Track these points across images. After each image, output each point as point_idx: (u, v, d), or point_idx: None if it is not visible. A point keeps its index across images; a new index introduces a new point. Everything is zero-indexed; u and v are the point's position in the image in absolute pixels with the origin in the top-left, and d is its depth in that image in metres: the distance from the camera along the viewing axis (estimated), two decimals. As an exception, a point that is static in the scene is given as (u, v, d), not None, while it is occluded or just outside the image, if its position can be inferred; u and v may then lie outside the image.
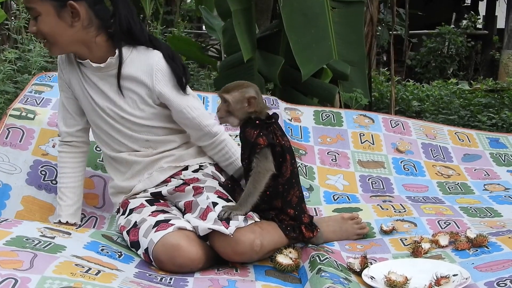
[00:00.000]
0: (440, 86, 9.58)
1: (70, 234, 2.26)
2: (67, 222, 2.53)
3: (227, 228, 2.17)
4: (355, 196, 3.15)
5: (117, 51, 2.42)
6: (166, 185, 2.50)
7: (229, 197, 2.40)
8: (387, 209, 2.90)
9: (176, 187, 2.47)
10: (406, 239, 2.57)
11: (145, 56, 2.44)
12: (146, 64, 2.43)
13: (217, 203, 2.30)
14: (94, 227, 2.71)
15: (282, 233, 2.37)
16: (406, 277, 2.09)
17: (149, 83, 2.43)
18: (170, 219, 2.30)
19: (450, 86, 9.47)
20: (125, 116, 2.47)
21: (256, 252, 2.22)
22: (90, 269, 1.86)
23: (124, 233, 2.39)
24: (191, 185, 2.44)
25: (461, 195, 3.17)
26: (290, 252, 2.34)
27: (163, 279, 2.08)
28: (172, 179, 2.53)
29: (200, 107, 2.53)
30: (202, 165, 2.57)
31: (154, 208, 2.41)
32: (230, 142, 2.60)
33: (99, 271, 1.86)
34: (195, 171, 2.54)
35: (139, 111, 2.47)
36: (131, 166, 2.52)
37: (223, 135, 2.57)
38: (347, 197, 3.13)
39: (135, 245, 2.31)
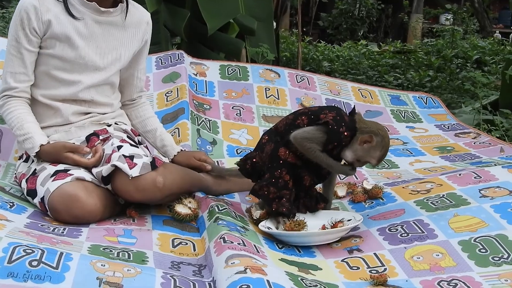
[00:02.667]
0: (350, 47, 9.76)
1: (-42, 184, 2.17)
2: (41, 145, 2.30)
3: (131, 168, 2.15)
4: (258, 149, 3.16)
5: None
6: (80, 138, 2.43)
7: (135, 144, 2.36)
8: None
9: (85, 137, 2.42)
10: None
11: (137, 9, 2.55)
12: (141, 16, 2.54)
13: (122, 146, 2.27)
14: (-12, 174, 2.60)
15: (187, 177, 2.38)
16: (303, 220, 2.12)
17: (139, 35, 2.54)
18: (69, 169, 2.24)
19: (360, 47, 9.65)
20: (99, 65, 2.42)
21: (159, 189, 2.19)
22: (-25, 219, 1.79)
23: (23, 181, 2.31)
24: (100, 136, 2.40)
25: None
26: (190, 202, 2.33)
27: (56, 229, 2.03)
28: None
29: None
30: (118, 123, 2.53)
31: None
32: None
33: (-15, 221, 1.79)
34: (109, 126, 2.49)
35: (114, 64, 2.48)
36: (53, 115, 2.41)
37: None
38: (250, 151, 3.12)
39: (32, 193, 2.24)
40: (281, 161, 2.23)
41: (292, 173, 2.23)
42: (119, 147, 2.27)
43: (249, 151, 3.07)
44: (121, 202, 2.29)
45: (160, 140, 2.62)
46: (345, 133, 2.17)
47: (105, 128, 2.45)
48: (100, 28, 2.41)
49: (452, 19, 10.17)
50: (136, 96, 2.67)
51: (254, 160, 2.34)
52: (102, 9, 2.39)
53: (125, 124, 2.57)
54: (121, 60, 2.49)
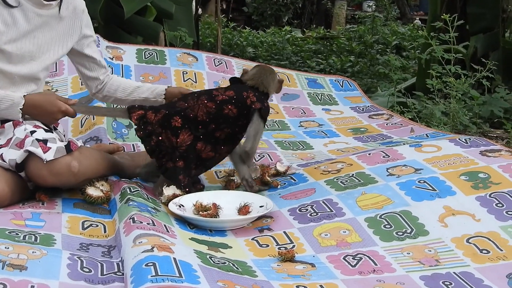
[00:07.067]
0: (274, 33, 9.81)
1: None
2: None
3: (45, 153, 2.09)
4: (175, 132, 3.16)
5: None
6: None
7: (49, 130, 2.28)
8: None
9: None
10: (220, 172, 2.62)
11: None
12: (73, 6, 2.42)
13: (35, 131, 2.19)
14: None
15: (103, 161, 2.38)
16: (215, 204, 2.13)
17: (77, 25, 2.44)
18: None
19: (283, 33, 9.71)
20: (35, 54, 2.32)
21: (74, 174, 2.16)
22: None
23: None
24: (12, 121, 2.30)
25: (278, 131, 3.28)
26: (102, 184, 2.31)
27: (-40, 214, 1.98)
28: None
29: None
30: None
31: None
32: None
33: None
34: None
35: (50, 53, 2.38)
36: None
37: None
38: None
39: None
40: (196, 155, 2.32)
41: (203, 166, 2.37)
42: (32, 132, 2.20)
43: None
44: (30, 187, 2.25)
45: (147, 90, 2.59)
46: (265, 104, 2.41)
47: None
48: (40, 20, 2.30)
49: (374, 6, 10.35)
50: (104, 76, 2.59)
51: (160, 138, 2.30)
52: (45, 2, 2.29)
53: None
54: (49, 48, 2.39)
